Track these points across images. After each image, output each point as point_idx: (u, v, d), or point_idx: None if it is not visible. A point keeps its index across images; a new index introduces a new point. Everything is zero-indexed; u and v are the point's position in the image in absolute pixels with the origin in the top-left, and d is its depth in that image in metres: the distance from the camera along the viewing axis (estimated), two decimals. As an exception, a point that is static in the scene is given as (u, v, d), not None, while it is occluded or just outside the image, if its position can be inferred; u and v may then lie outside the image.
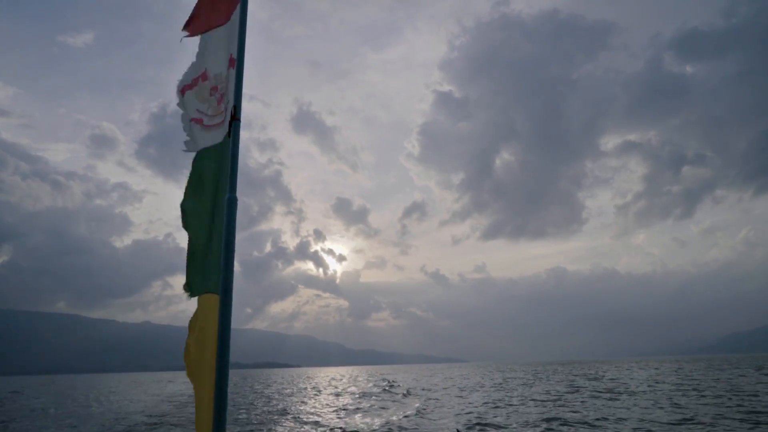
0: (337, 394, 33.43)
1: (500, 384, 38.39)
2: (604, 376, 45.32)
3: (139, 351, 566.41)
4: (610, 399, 22.58)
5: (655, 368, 61.18)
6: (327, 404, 25.94)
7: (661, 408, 18.52)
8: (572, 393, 26.79)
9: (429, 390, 34.40)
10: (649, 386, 29.21)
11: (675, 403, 19.64)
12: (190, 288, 2.99)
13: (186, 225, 3.13)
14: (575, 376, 47.94)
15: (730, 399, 20.56)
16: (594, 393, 26.20)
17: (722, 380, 32.66)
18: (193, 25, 3.39)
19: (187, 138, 3.31)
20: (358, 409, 22.84)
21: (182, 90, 3.38)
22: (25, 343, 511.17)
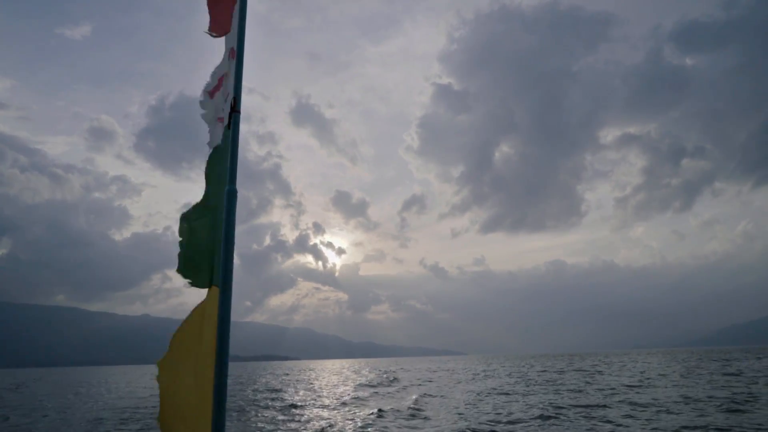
0: (336, 386, 33.05)
1: (477, 376, 38.34)
2: (566, 369, 46.75)
3: (138, 344, 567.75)
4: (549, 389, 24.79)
5: (631, 360, 61.55)
6: (328, 395, 25.63)
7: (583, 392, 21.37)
8: (519, 383, 29.41)
9: (426, 382, 34.40)
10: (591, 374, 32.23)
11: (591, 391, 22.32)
12: (192, 278, 3.01)
13: (193, 215, 3.14)
14: (543, 368, 48.84)
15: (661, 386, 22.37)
16: (540, 383, 29.57)
17: (672, 370, 35.64)
18: (217, 25, 3.41)
19: (210, 139, 3.37)
20: (356, 399, 22.66)
21: (211, 92, 3.42)
22: (25, 335, 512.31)
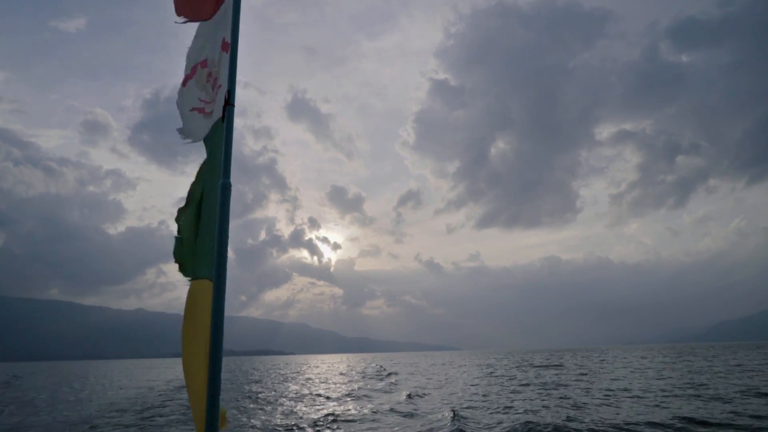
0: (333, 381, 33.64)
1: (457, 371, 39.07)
2: (540, 363, 47.34)
3: (132, 338, 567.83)
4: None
5: (611, 355, 62.56)
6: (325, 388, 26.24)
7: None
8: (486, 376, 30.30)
9: (412, 376, 35.07)
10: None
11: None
12: (184, 271, 3.02)
13: (185, 207, 3.15)
14: (523, 361, 48.87)
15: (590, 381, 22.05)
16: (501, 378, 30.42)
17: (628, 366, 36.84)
18: (188, 10, 3.37)
19: (183, 127, 3.36)
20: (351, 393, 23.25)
21: (184, 81, 3.40)
22: (18, 329, 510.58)
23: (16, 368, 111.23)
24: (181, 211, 3.15)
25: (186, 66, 3.41)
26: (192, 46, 3.40)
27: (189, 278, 2.99)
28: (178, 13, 3.36)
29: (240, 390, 27.18)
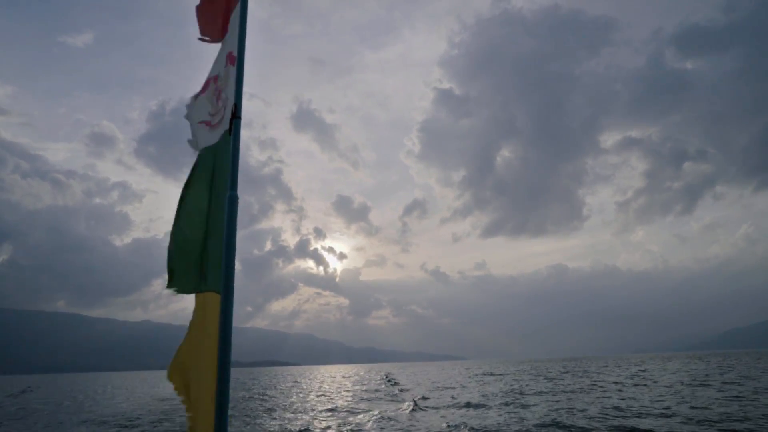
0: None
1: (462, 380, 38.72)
2: (524, 371, 46.66)
3: (139, 350, 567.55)
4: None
5: (604, 365, 61.92)
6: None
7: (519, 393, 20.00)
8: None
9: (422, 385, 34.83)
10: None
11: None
12: (177, 285, 2.98)
13: (178, 220, 3.12)
14: (512, 372, 48.29)
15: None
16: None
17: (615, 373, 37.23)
18: (209, 30, 3.51)
19: (192, 138, 3.41)
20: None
21: (196, 95, 3.49)
22: (25, 342, 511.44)
23: (24, 381, 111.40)
24: (182, 221, 3.11)
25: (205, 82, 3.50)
26: (213, 64, 3.47)
27: (174, 291, 2.95)
28: (202, 33, 3.49)
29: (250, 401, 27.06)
